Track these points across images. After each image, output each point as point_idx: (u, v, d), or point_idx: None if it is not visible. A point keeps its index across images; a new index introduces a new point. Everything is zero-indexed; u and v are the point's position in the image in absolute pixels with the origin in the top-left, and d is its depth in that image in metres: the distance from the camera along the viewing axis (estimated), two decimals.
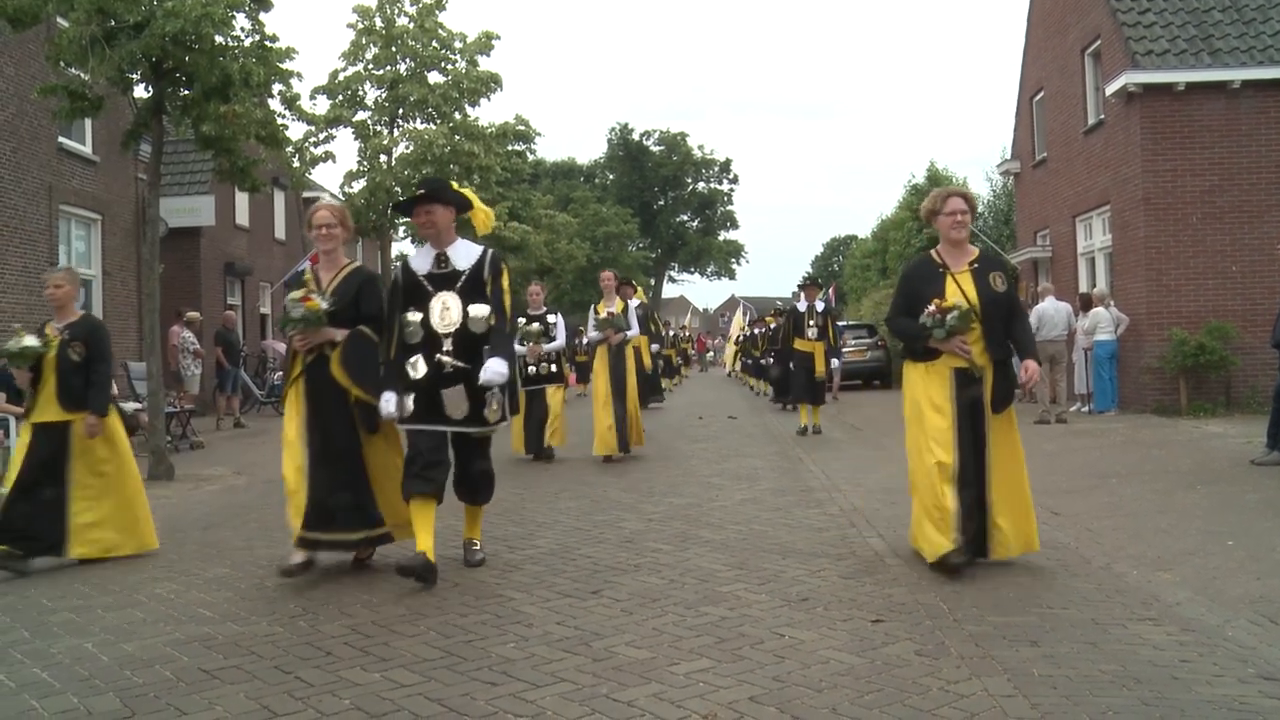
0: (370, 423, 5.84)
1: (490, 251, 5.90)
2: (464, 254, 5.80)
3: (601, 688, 3.87)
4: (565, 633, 4.61)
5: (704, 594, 5.26)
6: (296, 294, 5.86)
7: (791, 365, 15.13)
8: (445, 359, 5.60)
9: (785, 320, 16.02)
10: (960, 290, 5.73)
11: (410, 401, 5.62)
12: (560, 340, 11.75)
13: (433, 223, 5.73)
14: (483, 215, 5.99)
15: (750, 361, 28.75)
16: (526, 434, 11.68)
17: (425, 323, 5.66)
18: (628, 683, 3.92)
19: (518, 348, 11.41)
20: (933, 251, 6.07)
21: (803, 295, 15.40)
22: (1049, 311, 15.58)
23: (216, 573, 6.13)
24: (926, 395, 5.78)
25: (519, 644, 4.45)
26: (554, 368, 11.78)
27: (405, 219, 24.69)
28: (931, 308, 5.63)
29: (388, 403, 5.61)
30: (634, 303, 13.73)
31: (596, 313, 11.82)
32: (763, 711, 3.61)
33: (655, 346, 17.82)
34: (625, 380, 11.47)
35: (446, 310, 5.65)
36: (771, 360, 21.36)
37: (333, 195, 28.58)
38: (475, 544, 6.16)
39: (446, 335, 5.63)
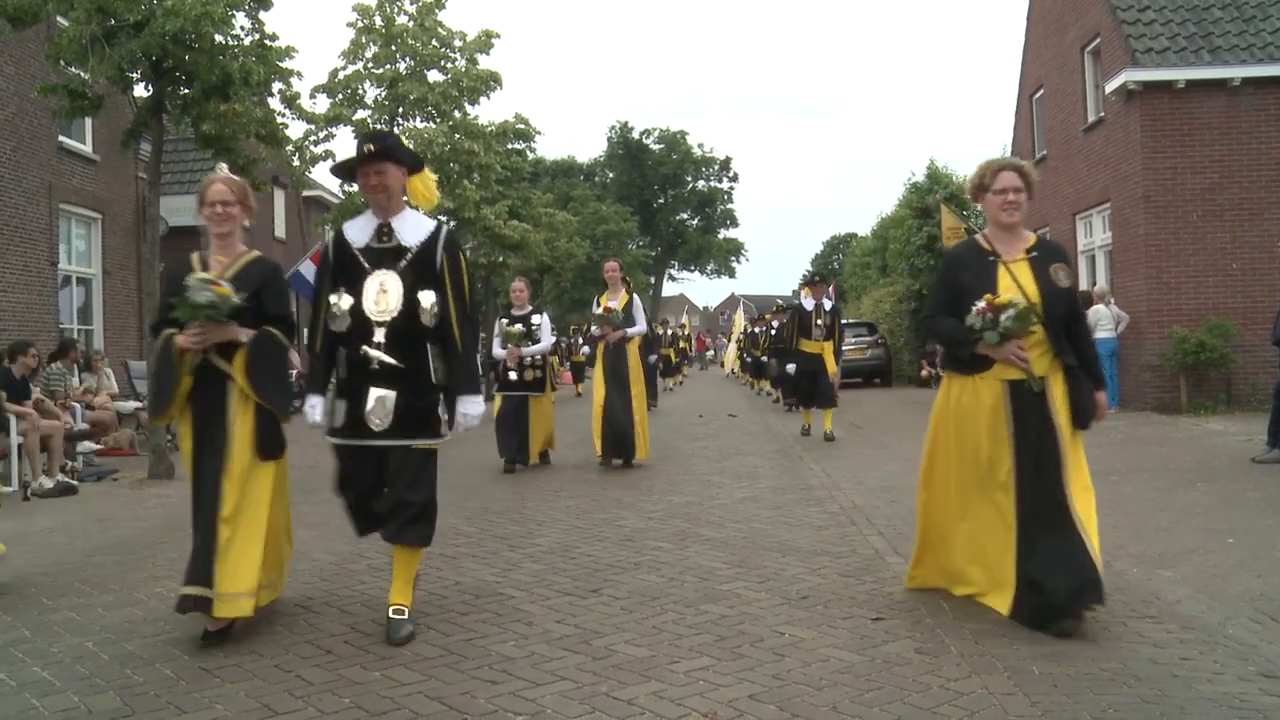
0: (270, 445, 4.72)
1: (445, 228, 4.84)
2: (413, 227, 4.74)
3: (601, 686, 3.87)
4: (565, 631, 4.61)
5: (704, 592, 5.26)
6: (200, 275, 4.69)
7: (791, 368, 14.22)
8: (372, 352, 4.55)
9: (790, 319, 14.92)
10: (1016, 284, 4.70)
11: (342, 409, 4.64)
12: (545, 342, 10.84)
13: (384, 185, 4.67)
14: (424, 186, 4.93)
15: (750, 360, 28.11)
16: (501, 440, 10.71)
17: (356, 308, 4.60)
18: (628, 681, 3.92)
19: (496, 350, 10.93)
20: (979, 236, 5.04)
21: (808, 293, 14.26)
22: None
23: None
24: (968, 414, 4.78)
25: (519, 642, 4.45)
26: (539, 373, 10.82)
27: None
28: (981, 304, 4.62)
29: (313, 409, 4.70)
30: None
31: (598, 305, 11.00)
32: (763, 709, 3.61)
33: (653, 358, 16.60)
34: (628, 381, 10.57)
35: (384, 294, 4.60)
36: (773, 359, 20.68)
37: (333, 195, 28.56)
38: (403, 610, 4.59)
39: (380, 324, 4.57)
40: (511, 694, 3.81)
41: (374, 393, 4.55)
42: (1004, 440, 4.68)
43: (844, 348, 18.12)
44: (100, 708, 3.77)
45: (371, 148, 4.68)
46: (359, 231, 4.77)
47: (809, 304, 13.98)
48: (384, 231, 4.71)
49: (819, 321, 13.74)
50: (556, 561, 6.10)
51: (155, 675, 4.13)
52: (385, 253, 4.67)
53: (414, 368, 4.60)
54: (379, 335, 4.57)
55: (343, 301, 4.62)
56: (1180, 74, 15.55)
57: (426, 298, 4.61)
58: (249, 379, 4.68)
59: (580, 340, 23.04)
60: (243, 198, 4.94)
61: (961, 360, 4.83)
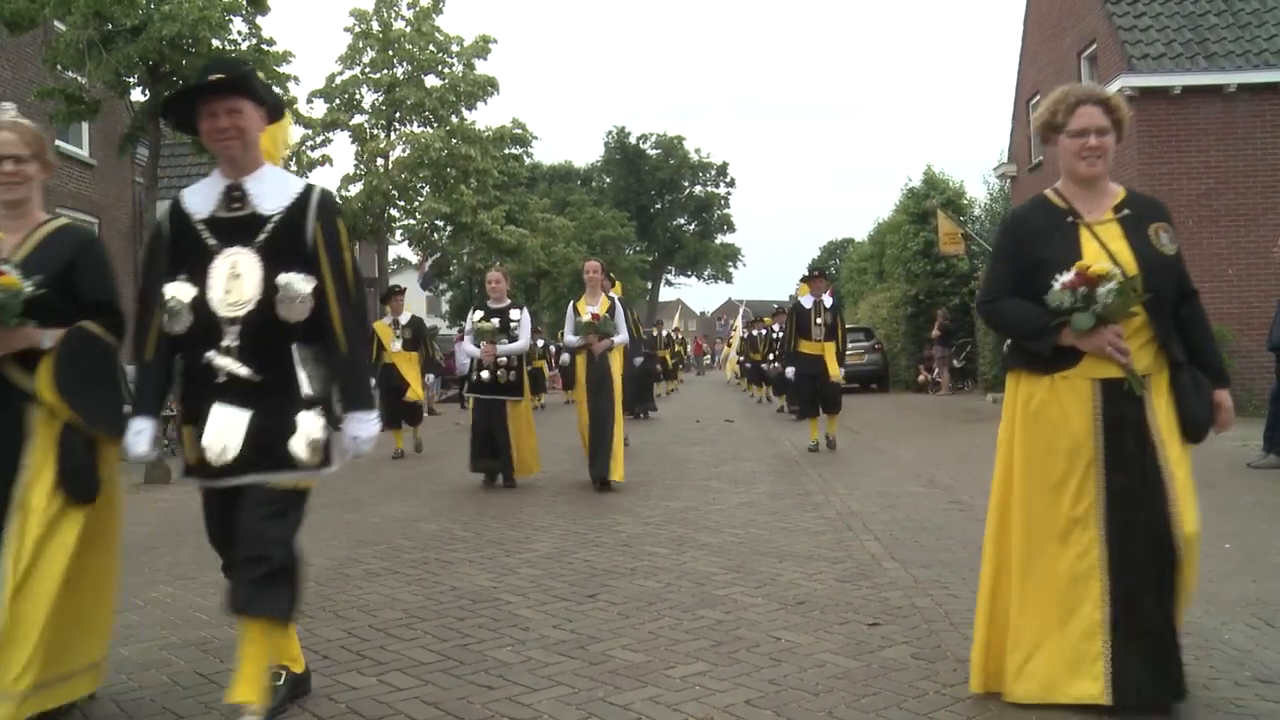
0: (79, 482, 3.52)
1: (318, 188, 3.61)
2: (274, 189, 3.54)
3: (598, 691, 3.87)
4: (562, 636, 4.60)
5: (700, 597, 5.26)
6: None
7: (790, 372, 13.09)
8: (221, 360, 3.39)
9: (788, 318, 13.44)
10: (1105, 252, 3.56)
11: (192, 438, 3.47)
12: (524, 340, 9.76)
13: (239, 129, 3.44)
14: (275, 139, 3.80)
15: (750, 366, 26.76)
16: (475, 453, 9.77)
17: (200, 301, 3.41)
18: (624, 686, 3.92)
19: (469, 348, 9.91)
20: (1049, 192, 3.85)
21: (808, 290, 12.96)
22: None
23: (213, 577, 6.06)
24: (1046, 425, 3.59)
25: (515, 647, 4.45)
26: (513, 375, 9.69)
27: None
28: (1069, 277, 3.48)
29: (137, 438, 3.52)
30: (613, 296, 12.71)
31: (576, 312, 9.76)
32: (759, 715, 3.61)
33: (639, 361, 14.73)
34: (609, 398, 9.43)
35: (236, 279, 3.40)
36: (775, 364, 19.72)
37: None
38: (252, 710, 3.35)
39: (231, 322, 3.39)
40: (508, 699, 3.81)
41: (216, 414, 3.39)
42: (1089, 459, 3.53)
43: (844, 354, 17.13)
44: (97, 713, 3.76)
45: (220, 76, 3.46)
46: (201, 197, 3.55)
47: (807, 302, 12.75)
48: (235, 196, 3.49)
49: (819, 320, 12.49)
50: (553, 567, 6.09)
51: (151, 680, 4.13)
52: (237, 225, 3.47)
53: (276, 378, 3.43)
54: (230, 338, 3.40)
55: (182, 293, 3.42)
56: (1176, 80, 15.61)
57: (293, 282, 3.43)
58: (58, 390, 3.49)
59: (553, 349, 22.32)
60: (39, 149, 3.71)
61: (1037, 355, 3.63)
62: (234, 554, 3.44)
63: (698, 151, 70.21)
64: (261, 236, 3.46)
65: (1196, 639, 4.44)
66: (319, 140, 23.50)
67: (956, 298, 26.37)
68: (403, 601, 5.31)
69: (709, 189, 71.17)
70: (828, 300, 12.76)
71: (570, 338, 9.82)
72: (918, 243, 27.78)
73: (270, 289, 3.43)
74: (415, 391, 12.85)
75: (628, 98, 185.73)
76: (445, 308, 42.80)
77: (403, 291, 13.40)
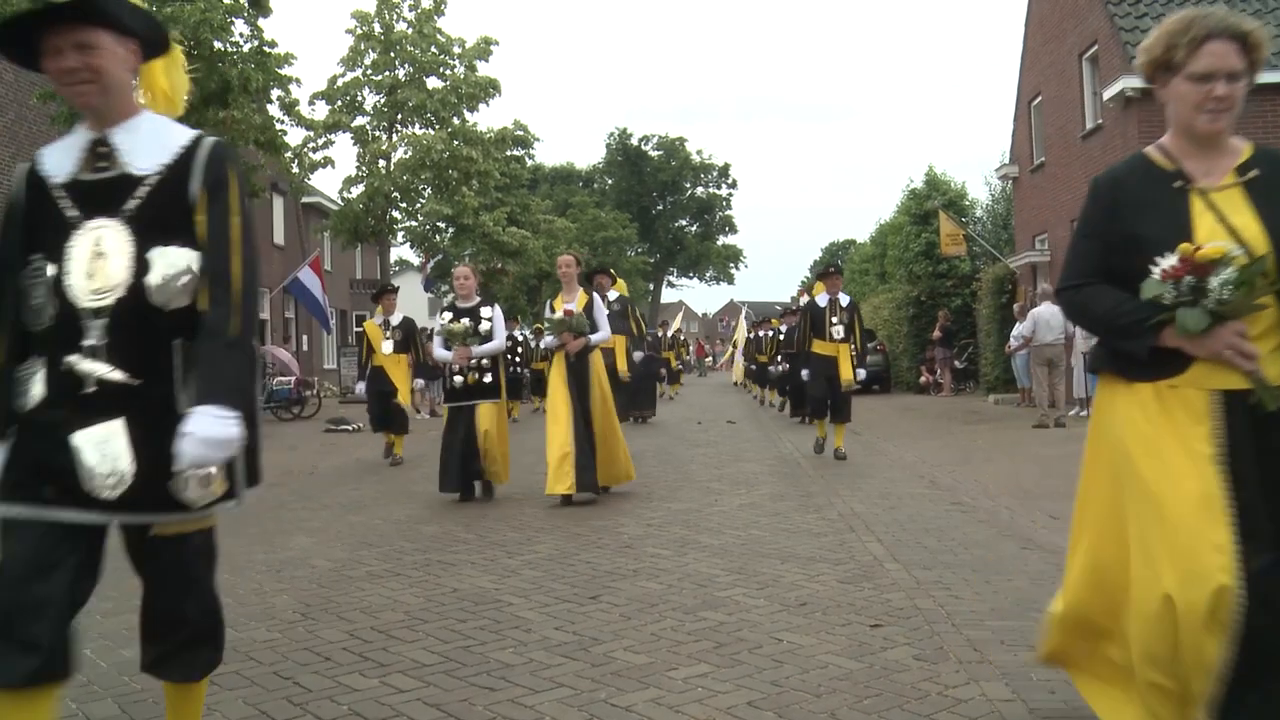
0: None
1: (209, 139, 2.74)
2: (151, 142, 2.70)
3: (600, 693, 3.87)
4: (564, 638, 4.60)
5: (702, 599, 5.25)
6: None
7: (806, 373, 12.41)
8: (84, 365, 2.57)
9: (801, 317, 13.06)
10: (1225, 227, 2.80)
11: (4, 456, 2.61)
12: (498, 341, 9.08)
13: (94, 70, 2.60)
14: (167, 77, 2.92)
15: (754, 367, 25.86)
16: (445, 465, 8.99)
17: (58, 286, 2.60)
18: (626, 688, 3.91)
19: (440, 353, 9.17)
20: (1152, 149, 3.06)
21: (823, 287, 12.29)
22: (1045, 315, 15.58)
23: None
24: (1148, 446, 2.81)
25: (517, 649, 4.45)
26: (488, 377, 9.00)
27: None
28: (1172, 263, 2.75)
29: None
30: (613, 295, 12.11)
31: (552, 310, 9.01)
32: (761, 716, 3.60)
33: (639, 354, 13.75)
34: (590, 397, 8.74)
35: (100, 258, 2.59)
36: (783, 366, 19.44)
37: (332, 201, 28.57)
38: None
39: (96, 313, 2.58)
40: (510, 701, 3.80)
41: (89, 434, 2.55)
42: (1212, 491, 2.72)
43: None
44: (98, 715, 3.77)
45: None
46: (60, 157, 2.75)
47: (823, 300, 12.11)
48: (100, 153, 2.68)
49: (835, 320, 11.87)
50: (555, 568, 6.09)
51: (152, 683, 4.09)
52: (103, 189, 2.66)
53: (153, 386, 2.62)
54: (94, 335, 2.58)
55: (41, 275, 2.61)
56: None
57: (170, 260, 2.60)
58: None
59: (518, 352, 19.82)
60: None
61: (1133, 358, 2.89)
62: (28, 604, 2.47)
63: (699, 153, 70.45)
64: (132, 203, 2.64)
65: None
66: (321, 142, 23.52)
67: (958, 299, 26.36)
68: (405, 603, 5.31)
69: (711, 190, 71.28)
70: (844, 299, 12.16)
71: (547, 338, 9.12)
72: (919, 244, 27.80)
73: (142, 268, 2.61)
74: (403, 396, 12.41)
75: (629, 99, 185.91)
76: None
77: (395, 290, 13.03)
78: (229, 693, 3.97)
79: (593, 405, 8.74)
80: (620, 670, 4.13)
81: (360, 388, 12.85)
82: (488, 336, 8.98)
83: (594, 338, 8.83)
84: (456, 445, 8.93)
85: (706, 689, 3.88)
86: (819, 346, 11.89)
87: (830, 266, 12.73)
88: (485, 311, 9.08)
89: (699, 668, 4.14)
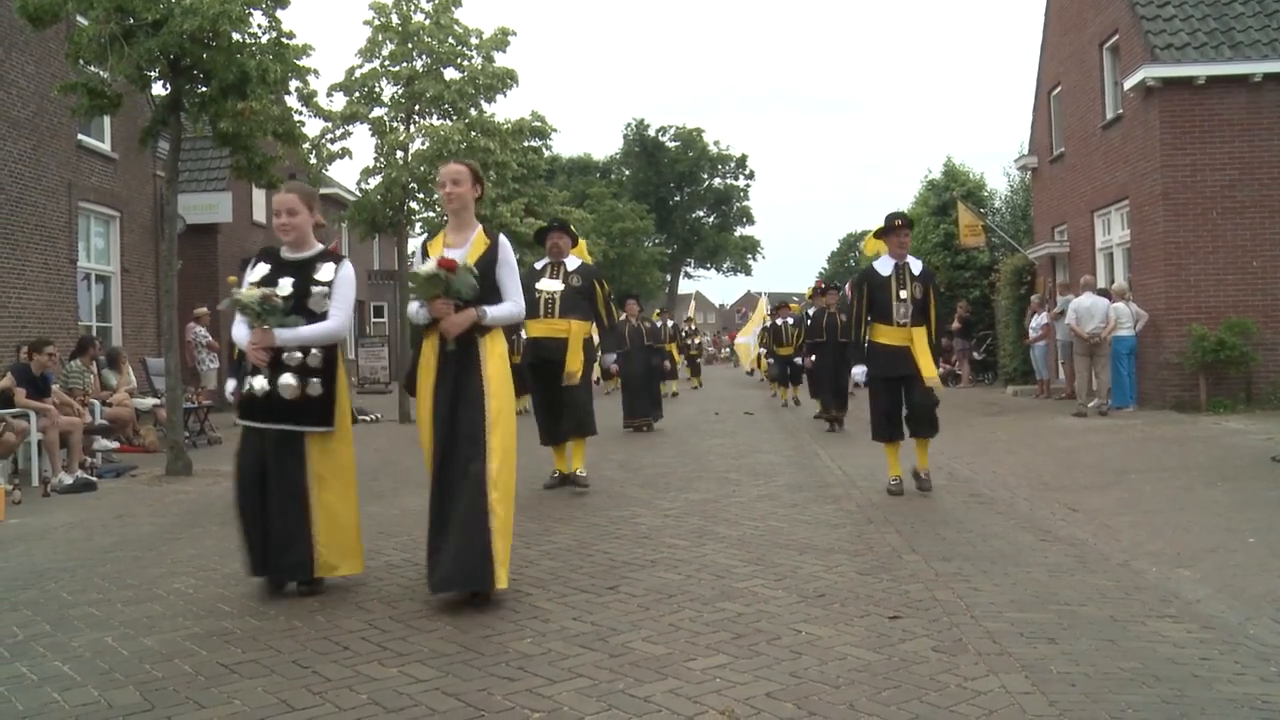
0: None
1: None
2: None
3: (618, 683, 3.87)
4: (582, 628, 4.61)
5: (720, 590, 5.25)
6: None
7: (860, 374, 8.45)
8: None
9: (855, 293, 8.60)
10: None
11: None
12: (336, 321, 5.27)
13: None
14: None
15: (774, 361, 21.44)
16: (241, 525, 5.29)
17: None
18: (644, 678, 3.92)
19: (237, 333, 5.34)
20: None
21: (884, 248, 8.44)
22: (1085, 305, 15.43)
23: (235, 568, 6.13)
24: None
25: (536, 639, 4.45)
26: (315, 386, 5.21)
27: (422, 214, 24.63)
28: None
29: None
30: (573, 263, 8.60)
31: (425, 257, 5.49)
32: (780, 707, 3.60)
33: (612, 357, 9.87)
34: (482, 413, 5.07)
35: None
36: (809, 359, 15.73)
37: (349, 192, 28.63)
38: None
39: None
40: (528, 691, 3.81)
41: None
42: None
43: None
44: (120, 702, 3.79)
45: None
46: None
47: (885, 265, 8.33)
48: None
49: (902, 294, 8.17)
50: (573, 559, 6.10)
51: (174, 670, 4.15)
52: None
53: None
54: None
55: None
56: (1200, 70, 15.44)
57: None
58: None
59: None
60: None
61: None
62: None
63: (717, 144, 70.14)
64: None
65: (1220, 633, 4.42)
66: (339, 133, 23.57)
67: (977, 290, 26.23)
68: (423, 593, 5.32)
69: (728, 181, 71.08)
70: (915, 264, 8.38)
71: (412, 305, 5.34)
72: (938, 235, 27.64)
73: None
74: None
75: (647, 90, 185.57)
76: None
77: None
78: (249, 681, 3.99)
79: (458, 428, 5.05)
80: (638, 661, 4.13)
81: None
82: (316, 315, 5.22)
83: (490, 311, 5.16)
84: (252, 495, 5.25)
85: (725, 680, 3.88)
86: (883, 334, 8.26)
87: (896, 217, 8.41)
88: (324, 269, 5.30)
89: (717, 658, 4.14)
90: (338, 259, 5.52)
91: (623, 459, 11.23)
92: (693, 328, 35.02)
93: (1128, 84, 16.31)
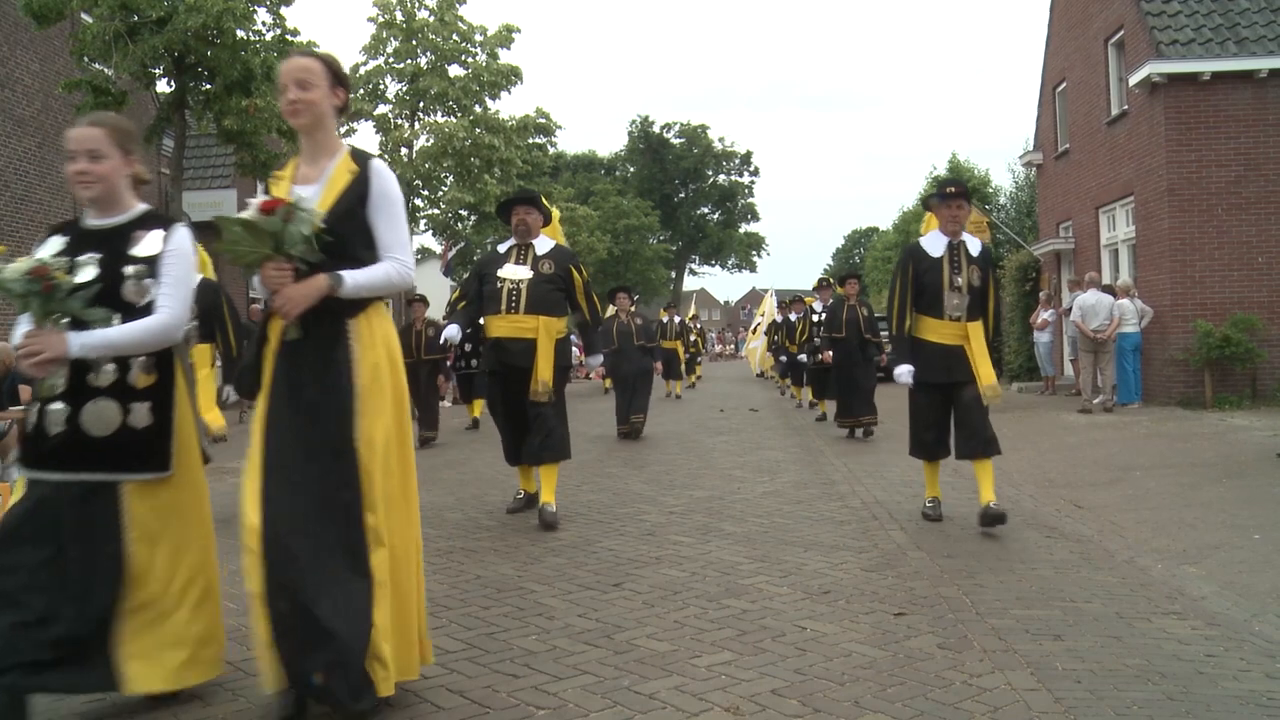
0: None
1: None
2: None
3: (623, 680, 3.87)
4: (587, 625, 4.61)
5: (725, 587, 5.25)
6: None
7: (905, 373, 6.86)
8: None
9: (899, 276, 6.94)
10: None
11: None
12: (169, 314, 3.53)
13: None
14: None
15: (784, 359, 19.99)
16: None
17: None
18: (649, 675, 3.92)
19: (18, 336, 3.46)
20: None
21: (930, 225, 7.15)
22: (1090, 301, 15.40)
23: (240, 565, 6.15)
24: None
25: (541, 636, 4.46)
26: (141, 414, 3.55)
27: (429, 210, 24.51)
28: None
29: None
30: (544, 245, 7.12)
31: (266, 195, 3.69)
32: (785, 704, 3.60)
33: (597, 358, 8.48)
34: (333, 433, 3.48)
35: None
36: (822, 356, 14.66)
37: None
38: None
39: None
40: (533, 688, 3.81)
41: None
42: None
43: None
44: (124, 700, 3.79)
45: None
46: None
47: (936, 245, 6.81)
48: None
49: (958, 280, 6.67)
50: (578, 556, 6.10)
51: None
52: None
53: None
54: None
55: None
56: (1205, 66, 15.40)
57: None
58: None
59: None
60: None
61: None
62: None
63: (721, 140, 70.09)
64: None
65: (1226, 630, 4.42)
66: (343, 130, 23.58)
67: None
68: (428, 590, 5.30)
69: (733, 178, 70.99)
70: (974, 244, 6.87)
71: (254, 278, 3.75)
72: None
73: None
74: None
75: (651, 87, 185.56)
76: None
77: None
78: (254, 679, 3.98)
79: (304, 468, 3.49)
80: (643, 658, 4.13)
81: None
82: (137, 308, 3.50)
83: (351, 278, 3.50)
84: (38, 588, 3.38)
85: (730, 677, 3.88)
86: (930, 329, 6.78)
87: (950, 184, 7.01)
88: (146, 240, 3.58)
89: (722, 655, 4.14)
90: (167, 223, 3.67)
91: (627, 456, 11.23)
92: (697, 325, 33.44)
93: (1133, 80, 16.27)
